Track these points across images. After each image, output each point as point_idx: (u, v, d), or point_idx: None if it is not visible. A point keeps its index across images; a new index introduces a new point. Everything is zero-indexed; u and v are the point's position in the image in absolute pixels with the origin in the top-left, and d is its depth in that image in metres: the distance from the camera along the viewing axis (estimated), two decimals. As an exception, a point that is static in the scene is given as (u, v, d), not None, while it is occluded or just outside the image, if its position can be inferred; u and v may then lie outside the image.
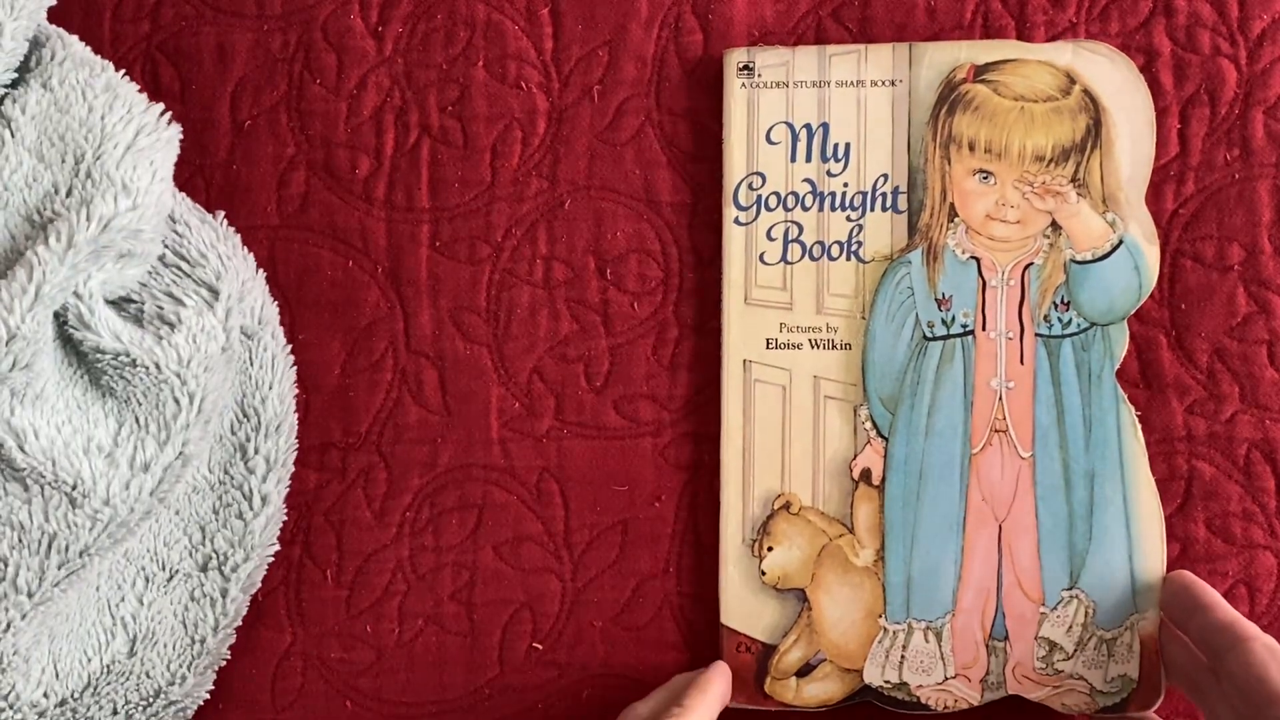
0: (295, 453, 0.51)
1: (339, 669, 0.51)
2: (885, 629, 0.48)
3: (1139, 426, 0.48)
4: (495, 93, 0.52)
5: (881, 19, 0.51)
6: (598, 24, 0.52)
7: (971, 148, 0.49)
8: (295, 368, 0.52)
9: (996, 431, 0.48)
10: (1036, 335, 0.48)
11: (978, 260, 0.49)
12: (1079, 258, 0.48)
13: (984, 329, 0.48)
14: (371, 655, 0.51)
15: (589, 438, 0.51)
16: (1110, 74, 0.49)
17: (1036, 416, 0.48)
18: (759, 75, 0.50)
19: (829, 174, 0.50)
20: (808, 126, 0.50)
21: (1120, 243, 0.48)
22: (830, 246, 0.49)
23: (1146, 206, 0.48)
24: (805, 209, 0.50)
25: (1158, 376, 0.49)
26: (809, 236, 0.49)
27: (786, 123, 0.50)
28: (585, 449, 0.51)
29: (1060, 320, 0.48)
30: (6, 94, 0.46)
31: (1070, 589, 0.47)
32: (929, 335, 0.48)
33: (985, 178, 0.49)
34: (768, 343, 0.49)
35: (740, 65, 0.50)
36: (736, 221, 0.50)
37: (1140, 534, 0.47)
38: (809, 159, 0.50)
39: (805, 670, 0.48)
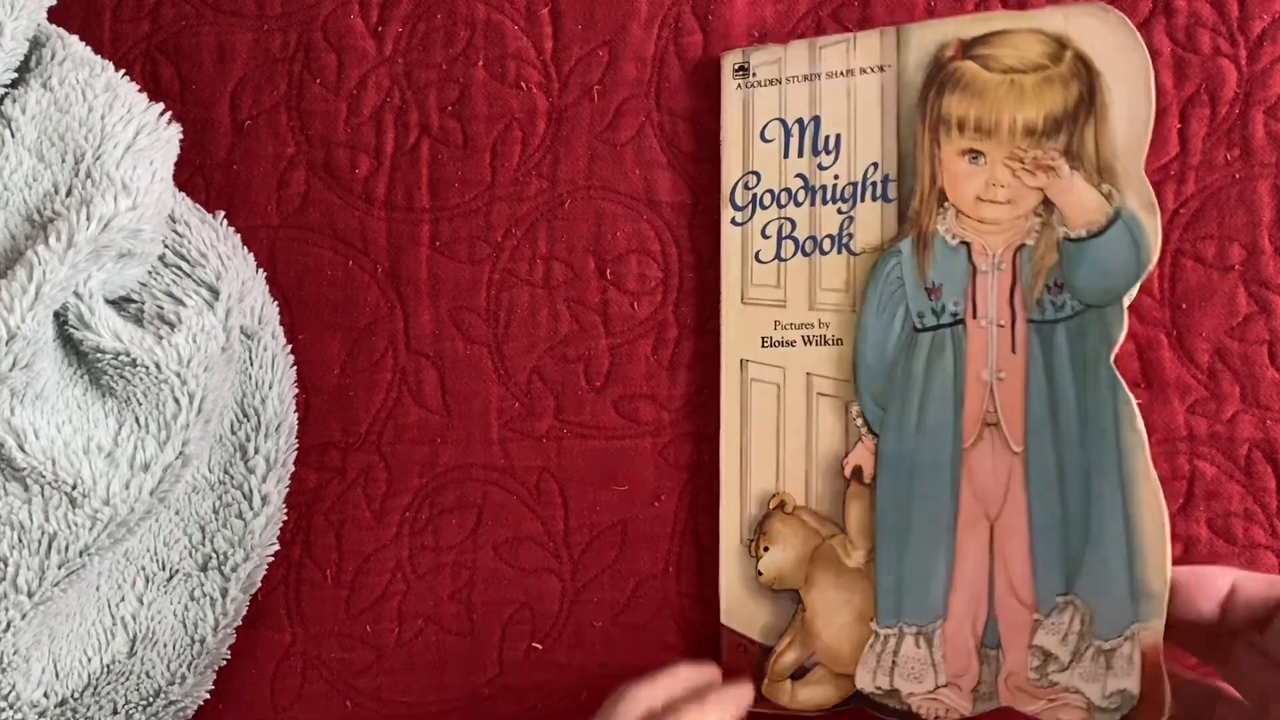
0: (295, 453, 0.51)
1: (339, 669, 0.51)
2: (876, 633, 0.46)
3: (1139, 416, 0.44)
4: (495, 93, 0.52)
5: (881, 18, 0.51)
6: (598, 24, 0.52)
7: (961, 127, 0.47)
8: (295, 368, 0.52)
9: (987, 425, 0.46)
10: (1029, 321, 0.46)
11: (968, 246, 0.47)
12: (1073, 235, 0.46)
13: (974, 317, 0.46)
14: (371, 655, 0.51)
15: (589, 438, 0.51)
16: (1104, 34, 0.46)
17: (1029, 408, 0.45)
18: (754, 74, 0.50)
19: (820, 167, 0.49)
20: (799, 121, 0.49)
21: (1117, 215, 0.45)
22: (822, 240, 0.48)
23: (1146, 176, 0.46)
24: (798, 204, 0.49)
25: (1158, 376, 0.49)
26: (801, 231, 0.49)
27: (779, 119, 0.49)
28: (585, 449, 0.51)
29: (1053, 304, 0.46)
30: (6, 94, 0.46)
31: (1065, 594, 0.44)
32: (919, 326, 0.47)
33: (975, 158, 0.47)
34: (763, 341, 0.49)
35: (736, 67, 0.50)
36: (733, 222, 0.50)
37: (1141, 534, 0.43)
38: (801, 154, 0.49)
39: (800, 673, 0.47)
